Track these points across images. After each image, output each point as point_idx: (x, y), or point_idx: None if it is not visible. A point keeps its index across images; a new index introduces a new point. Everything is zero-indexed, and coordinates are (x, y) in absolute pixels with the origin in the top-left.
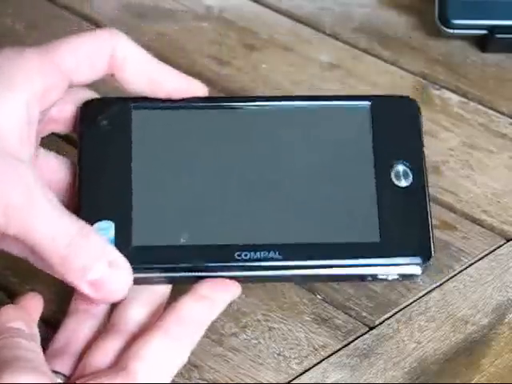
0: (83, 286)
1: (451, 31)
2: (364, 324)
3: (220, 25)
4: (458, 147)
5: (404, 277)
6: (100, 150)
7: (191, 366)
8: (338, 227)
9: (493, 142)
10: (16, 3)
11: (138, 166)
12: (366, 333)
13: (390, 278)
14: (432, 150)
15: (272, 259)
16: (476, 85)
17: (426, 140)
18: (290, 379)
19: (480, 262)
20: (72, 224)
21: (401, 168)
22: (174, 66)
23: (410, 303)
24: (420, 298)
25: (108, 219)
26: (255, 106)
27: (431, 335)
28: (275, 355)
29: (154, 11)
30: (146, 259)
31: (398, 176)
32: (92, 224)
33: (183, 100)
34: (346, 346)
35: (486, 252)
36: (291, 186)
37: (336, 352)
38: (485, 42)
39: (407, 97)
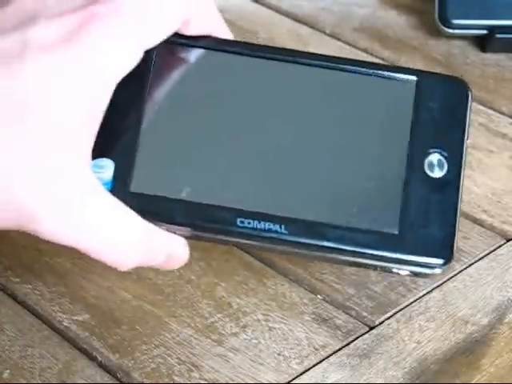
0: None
1: (451, 31)
2: (364, 324)
3: None
4: None
5: (419, 274)
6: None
7: (191, 365)
8: (355, 210)
9: (493, 141)
10: None
11: (150, 108)
12: (366, 333)
13: (402, 273)
14: None
15: (276, 232)
16: (476, 85)
17: None
18: (290, 379)
19: (480, 261)
20: (139, 226)
21: (436, 157)
22: None
23: (410, 303)
24: (420, 297)
25: (109, 158)
26: (292, 60)
27: (431, 335)
28: (275, 355)
29: None
30: (142, 207)
31: (431, 165)
32: (91, 159)
33: (214, 40)
34: (346, 345)
35: (486, 252)
36: (313, 156)
37: (336, 352)
38: (485, 42)
39: (458, 78)
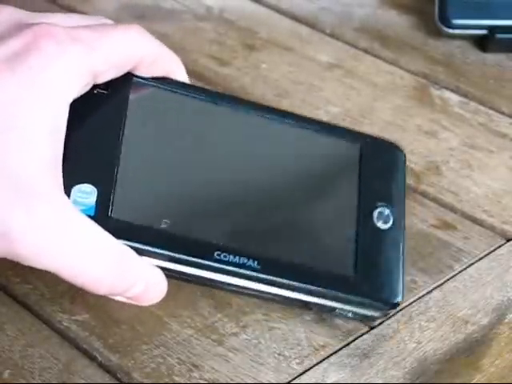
0: (117, 298)
1: (451, 31)
2: (364, 324)
3: (220, 25)
4: (458, 147)
5: (362, 317)
6: (94, 113)
7: (191, 365)
8: (316, 252)
9: (493, 141)
10: (16, 3)
11: (129, 139)
12: (366, 333)
13: (349, 314)
14: (432, 150)
15: (250, 268)
16: (476, 85)
17: (427, 140)
18: (291, 379)
19: (480, 261)
20: (116, 250)
21: (383, 210)
22: None
23: (410, 303)
24: (420, 297)
25: (91, 184)
26: (258, 112)
27: (431, 335)
28: (275, 355)
29: (154, 11)
30: (121, 234)
31: (379, 218)
32: (72, 186)
33: (189, 86)
34: (346, 345)
35: (486, 252)
36: (280, 198)
37: (336, 352)
38: (485, 42)
39: (395, 144)
